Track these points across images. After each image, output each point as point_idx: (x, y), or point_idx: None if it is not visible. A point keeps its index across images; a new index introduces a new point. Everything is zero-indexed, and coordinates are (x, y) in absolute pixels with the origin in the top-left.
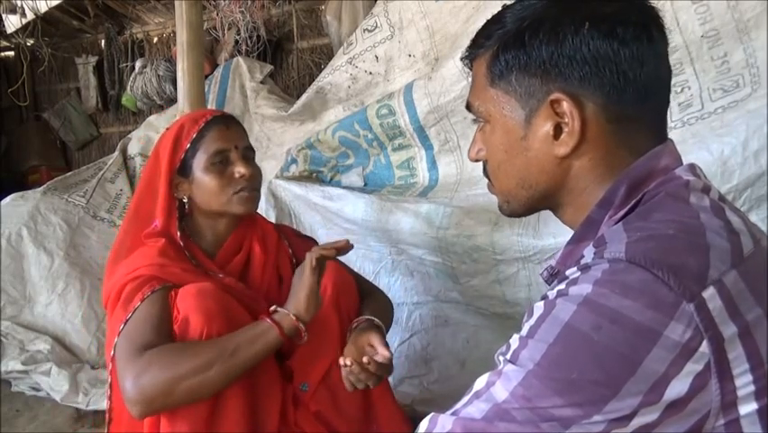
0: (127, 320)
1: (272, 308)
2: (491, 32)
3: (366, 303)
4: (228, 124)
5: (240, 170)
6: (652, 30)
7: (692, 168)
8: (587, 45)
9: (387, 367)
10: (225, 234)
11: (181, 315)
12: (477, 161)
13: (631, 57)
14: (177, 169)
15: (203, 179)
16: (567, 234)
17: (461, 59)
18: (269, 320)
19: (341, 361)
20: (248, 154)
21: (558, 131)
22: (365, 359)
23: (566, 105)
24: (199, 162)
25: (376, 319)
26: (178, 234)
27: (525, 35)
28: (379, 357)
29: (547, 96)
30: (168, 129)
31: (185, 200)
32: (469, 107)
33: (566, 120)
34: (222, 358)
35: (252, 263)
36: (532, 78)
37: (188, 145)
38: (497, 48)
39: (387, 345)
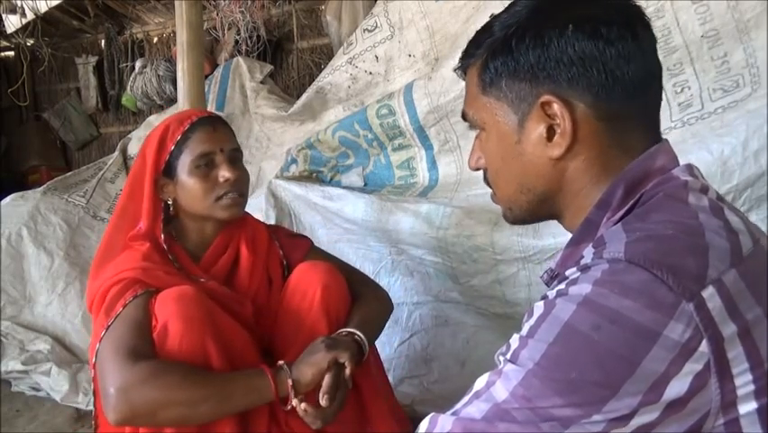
0: (109, 326)
1: (280, 363)
2: (480, 41)
3: (356, 307)
4: (215, 126)
5: (224, 173)
6: (636, 27)
7: (690, 168)
8: (572, 47)
9: (326, 413)
10: (212, 237)
11: (160, 321)
12: (477, 169)
13: (617, 55)
14: (162, 170)
15: (187, 182)
16: (567, 234)
17: (455, 69)
18: (269, 377)
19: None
20: (234, 157)
21: (551, 133)
22: (303, 406)
23: (556, 107)
24: (184, 165)
25: (357, 333)
26: (162, 236)
27: (511, 41)
28: (319, 402)
29: (537, 100)
30: (154, 129)
31: (170, 202)
32: (464, 117)
33: (557, 121)
34: (215, 398)
35: (240, 265)
36: (521, 82)
37: (173, 147)
38: (486, 56)
39: (332, 390)
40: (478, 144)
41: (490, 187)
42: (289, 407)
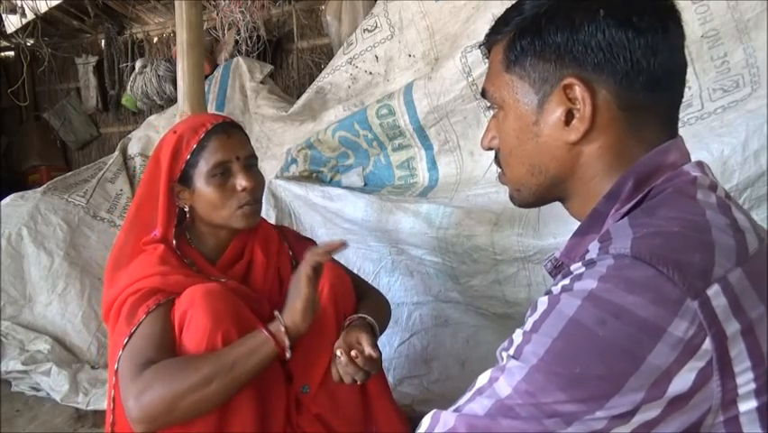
0: (131, 334)
1: (275, 313)
2: (510, 18)
3: (363, 303)
4: (229, 133)
5: (242, 182)
6: (668, 21)
7: (700, 165)
8: (602, 32)
9: (374, 363)
10: (227, 241)
11: (188, 316)
12: (490, 149)
13: (645, 46)
14: (178, 178)
15: (204, 192)
16: (567, 234)
17: (479, 45)
18: (265, 332)
19: (335, 351)
20: (250, 163)
21: (569, 117)
22: (353, 353)
23: (578, 91)
24: (200, 174)
25: (368, 318)
26: (175, 242)
27: (541, 21)
28: (366, 353)
29: (560, 82)
30: (168, 134)
31: (186, 209)
32: (484, 94)
33: (578, 106)
34: (221, 373)
35: (254, 268)
36: (546, 63)
37: (189, 156)
38: (513, 34)
39: (375, 345)
40: (494, 124)
41: (500, 167)
42: (288, 355)
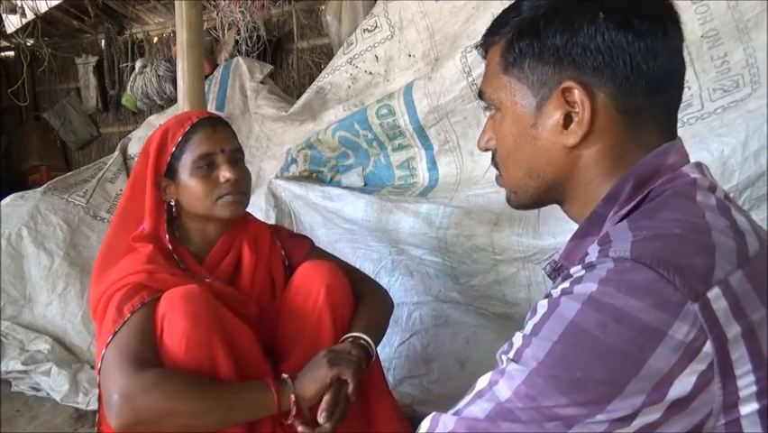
0: (116, 332)
1: (284, 376)
2: (507, 19)
3: (361, 309)
4: (215, 127)
5: (225, 174)
6: (666, 23)
7: (699, 166)
8: (601, 35)
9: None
10: (215, 238)
11: (167, 318)
12: (486, 150)
13: (645, 49)
14: (164, 172)
15: (188, 183)
16: (567, 234)
17: (476, 46)
18: (274, 393)
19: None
20: (235, 157)
21: (568, 120)
22: (300, 429)
23: (577, 94)
24: (185, 166)
25: (364, 337)
26: (167, 237)
27: (540, 23)
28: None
29: (559, 85)
30: (155, 131)
31: (172, 204)
32: (481, 95)
33: (576, 109)
34: (219, 410)
35: (242, 266)
36: (545, 65)
37: (174, 149)
38: (511, 35)
39: (334, 404)
40: (490, 125)
41: (497, 169)
42: (290, 421)
